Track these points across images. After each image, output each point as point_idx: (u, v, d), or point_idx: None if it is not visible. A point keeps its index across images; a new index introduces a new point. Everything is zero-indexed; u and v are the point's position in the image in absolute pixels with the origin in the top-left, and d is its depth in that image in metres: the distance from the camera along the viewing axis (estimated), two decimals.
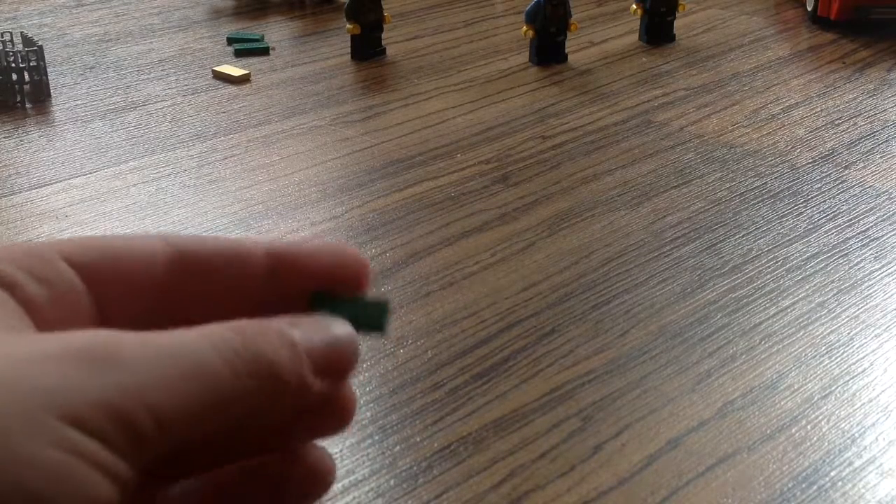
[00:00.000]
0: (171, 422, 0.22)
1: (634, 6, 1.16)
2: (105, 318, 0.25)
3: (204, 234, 0.75)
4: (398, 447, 0.52)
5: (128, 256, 0.25)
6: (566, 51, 1.10)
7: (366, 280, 0.28)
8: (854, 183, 0.82)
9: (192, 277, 0.26)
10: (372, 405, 0.56)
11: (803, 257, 0.71)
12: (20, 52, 0.97)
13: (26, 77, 0.98)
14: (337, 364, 0.26)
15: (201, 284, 0.26)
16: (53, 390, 0.21)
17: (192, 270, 0.26)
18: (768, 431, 0.53)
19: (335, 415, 0.28)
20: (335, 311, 0.27)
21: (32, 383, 0.20)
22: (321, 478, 0.29)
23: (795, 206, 0.78)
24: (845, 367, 0.59)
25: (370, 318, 0.28)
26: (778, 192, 0.81)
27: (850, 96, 1.00)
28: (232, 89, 1.02)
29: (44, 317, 0.24)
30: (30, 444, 0.20)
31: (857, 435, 0.53)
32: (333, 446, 0.53)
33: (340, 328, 0.26)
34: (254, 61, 1.10)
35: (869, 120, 0.95)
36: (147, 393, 0.22)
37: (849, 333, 0.62)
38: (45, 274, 0.24)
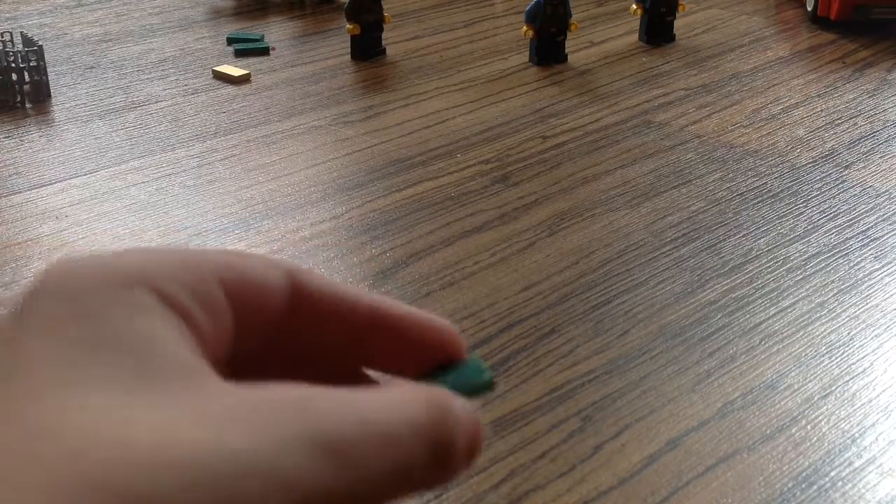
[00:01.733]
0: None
1: (634, 6, 1.16)
2: (237, 344, 0.25)
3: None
4: None
5: (261, 282, 0.25)
6: (566, 51, 1.10)
7: (460, 345, 0.28)
8: (854, 183, 0.82)
9: (305, 314, 0.26)
10: None
11: (803, 257, 0.71)
12: (20, 51, 0.97)
13: (26, 77, 0.98)
14: (479, 446, 0.25)
15: (313, 327, 0.26)
16: (293, 481, 0.20)
17: (307, 310, 0.26)
18: (768, 431, 0.53)
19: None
20: (445, 383, 0.28)
21: (272, 469, 0.20)
22: None
23: (795, 206, 0.78)
24: (845, 367, 0.59)
25: (477, 380, 0.28)
26: (778, 192, 0.81)
27: (850, 96, 1.00)
28: (232, 89, 1.02)
29: (208, 346, 0.23)
30: None
31: (857, 435, 0.53)
32: None
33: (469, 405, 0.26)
34: (254, 61, 1.10)
35: (869, 120, 0.95)
36: (361, 486, 0.22)
37: (849, 333, 0.62)
38: (209, 301, 0.24)
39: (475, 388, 0.27)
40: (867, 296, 0.66)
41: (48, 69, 1.00)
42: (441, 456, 0.24)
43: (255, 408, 0.21)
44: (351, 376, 0.27)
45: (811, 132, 0.92)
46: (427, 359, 0.27)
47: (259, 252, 0.72)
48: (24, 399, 0.20)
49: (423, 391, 0.25)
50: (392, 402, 0.24)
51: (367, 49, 1.10)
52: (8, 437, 0.19)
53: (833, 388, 0.57)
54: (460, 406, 0.25)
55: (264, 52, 1.12)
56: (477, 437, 0.26)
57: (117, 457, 0.19)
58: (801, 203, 0.79)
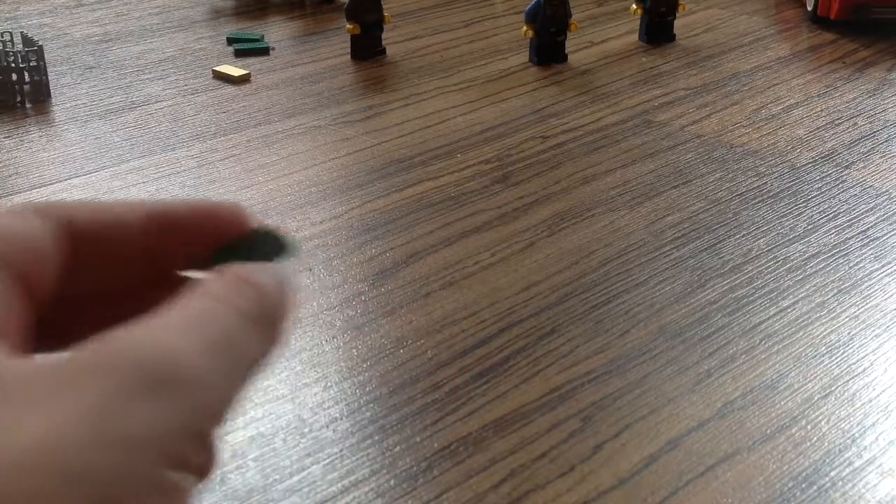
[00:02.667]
0: (224, 406, 0.23)
1: (634, 6, 1.16)
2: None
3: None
4: (398, 447, 0.52)
5: (29, 240, 0.24)
6: (566, 51, 1.10)
7: (244, 220, 0.28)
8: (854, 183, 0.82)
9: (83, 248, 0.26)
10: (372, 405, 0.56)
11: (803, 257, 0.71)
12: (20, 52, 0.97)
13: (26, 77, 0.98)
14: (290, 306, 0.26)
15: (93, 253, 0.26)
16: (141, 435, 0.20)
17: (83, 243, 0.26)
18: (768, 431, 0.53)
19: None
20: (241, 259, 0.28)
21: (128, 434, 0.20)
22: None
23: (795, 205, 0.78)
24: (845, 366, 0.59)
25: (275, 247, 0.28)
26: (778, 192, 0.81)
27: (850, 96, 1.00)
28: (232, 89, 1.02)
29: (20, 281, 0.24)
30: (150, 491, 0.20)
31: (857, 435, 0.53)
32: (333, 446, 0.53)
33: (274, 273, 0.26)
34: (254, 61, 1.10)
35: (869, 120, 0.95)
36: (211, 396, 0.22)
37: (849, 333, 0.62)
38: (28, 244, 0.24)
39: (274, 252, 0.27)
40: (867, 296, 0.66)
41: (48, 69, 1.00)
42: (272, 326, 0.24)
43: (67, 372, 0.21)
44: (171, 283, 0.27)
45: (811, 132, 0.92)
46: (217, 242, 0.27)
47: None
48: None
49: (227, 274, 0.25)
50: (206, 304, 0.24)
51: (367, 49, 1.10)
52: None
53: (833, 388, 0.57)
54: (264, 273, 0.25)
55: (264, 52, 1.12)
56: (288, 295, 0.26)
57: None
58: (801, 203, 0.79)
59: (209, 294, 0.24)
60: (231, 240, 0.27)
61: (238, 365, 0.23)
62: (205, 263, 0.27)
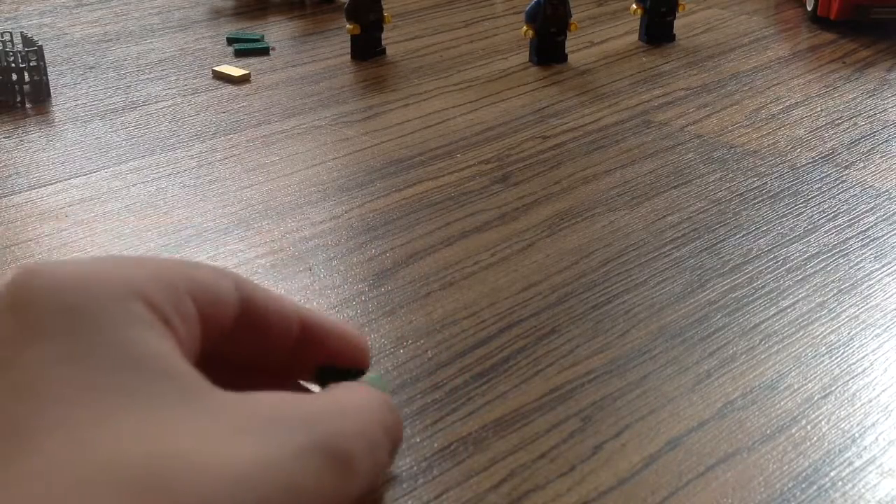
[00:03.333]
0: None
1: (634, 6, 1.16)
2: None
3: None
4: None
5: (216, 292, 0.26)
6: (566, 51, 1.10)
7: (367, 357, 0.31)
8: (854, 183, 0.82)
9: (249, 326, 0.28)
10: None
11: (803, 257, 0.71)
12: (20, 51, 0.97)
13: (26, 77, 0.98)
14: (399, 440, 0.30)
15: (254, 335, 0.28)
16: (309, 495, 0.23)
17: (251, 320, 0.28)
18: (768, 431, 0.53)
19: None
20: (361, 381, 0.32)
21: (305, 488, 0.22)
22: None
23: (795, 206, 0.78)
24: (845, 366, 0.59)
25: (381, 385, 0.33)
26: (778, 192, 0.81)
27: (851, 96, 1.00)
28: (232, 89, 1.02)
29: (185, 354, 0.25)
30: None
31: (857, 435, 0.53)
32: None
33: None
34: (254, 61, 1.10)
35: (869, 120, 0.95)
36: (358, 484, 0.25)
37: (849, 333, 0.62)
38: (183, 311, 0.25)
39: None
40: (867, 296, 0.66)
41: (48, 69, 1.00)
42: (397, 447, 0.28)
43: (269, 419, 0.23)
44: (281, 381, 0.30)
45: (811, 132, 0.92)
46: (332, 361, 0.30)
47: (260, 251, 0.72)
48: (46, 422, 0.20)
49: (376, 394, 0.27)
50: (365, 404, 0.26)
51: (367, 49, 1.10)
52: (69, 463, 0.19)
53: (833, 388, 0.57)
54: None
55: (264, 52, 1.12)
56: (400, 432, 0.30)
57: (188, 473, 0.20)
58: (801, 203, 0.79)
59: (364, 394, 0.27)
60: (339, 365, 0.30)
61: (376, 467, 0.26)
62: (309, 373, 0.31)
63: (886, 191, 0.81)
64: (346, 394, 0.27)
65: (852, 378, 0.58)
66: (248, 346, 0.29)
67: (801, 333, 0.62)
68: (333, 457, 0.23)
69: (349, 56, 1.10)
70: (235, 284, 0.28)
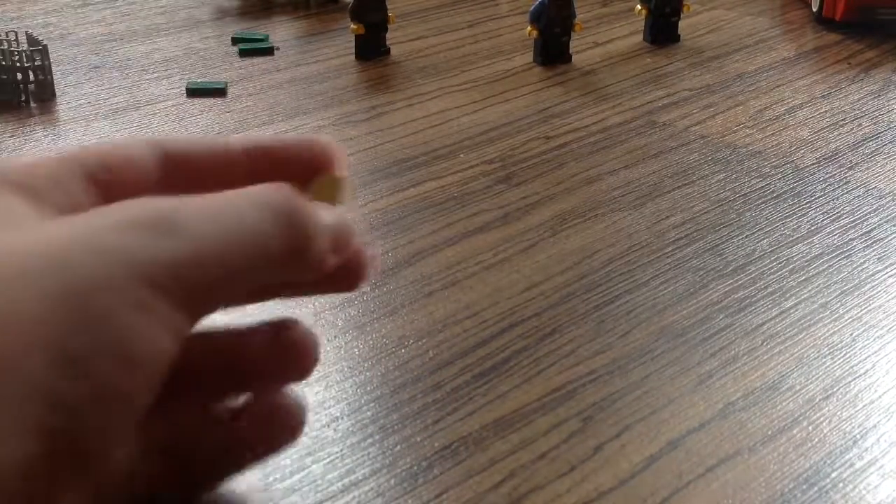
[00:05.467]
0: (224, 281, 0.24)
1: (639, 7, 1.15)
2: None
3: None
4: (398, 447, 0.52)
5: (126, 165, 0.28)
6: (570, 51, 1.10)
7: (337, 162, 0.31)
8: (858, 184, 0.82)
9: (181, 178, 0.29)
10: (372, 405, 0.56)
11: (806, 258, 0.71)
12: (25, 51, 0.98)
13: (31, 76, 0.98)
14: (345, 244, 0.29)
15: (190, 184, 0.29)
16: (132, 255, 0.22)
17: (182, 171, 0.29)
18: (769, 432, 0.53)
19: (350, 275, 0.32)
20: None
21: (114, 248, 0.22)
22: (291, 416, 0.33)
23: (799, 207, 0.78)
24: (848, 368, 0.59)
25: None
26: (781, 193, 0.80)
27: (855, 97, 1.00)
28: (236, 89, 1.02)
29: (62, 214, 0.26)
30: (119, 308, 0.22)
31: (858, 436, 0.53)
32: (333, 445, 0.53)
33: (347, 218, 0.29)
34: (258, 61, 1.10)
35: (874, 121, 0.95)
36: (209, 255, 0.23)
37: (851, 335, 0.62)
38: (66, 187, 0.26)
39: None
40: (870, 297, 0.66)
41: (53, 68, 1.01)
42: (293, 230, 0.26)
43: (89, 214, 0.24)
44: None
45: (815, 133, 0.92)
46: (312, 175, 0.30)
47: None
48: None
49: (284, 188, 0.27)
50: (252, 194, 0.26)
51: (371, 49, 1.10)
52: None
53: (835, 390, 0.57)
54: (322, 209, 0.27)
55: (269, 51, 1.12)
56: (346, 234, 0.29)
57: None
58: (805, 204, 0.79)
59: (245, 188, 0.26)
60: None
61: (242, 240, 0.24)
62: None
63: (890, 192, 0.81)
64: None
65: (854, 379, 0.58)
66: (190, 194, 0.28)
67: (803, 334, 0.62)
68: (160, 221, 0.23)
69: (353, 56, 1.10)
70: (152, 144, 0.28)
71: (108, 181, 0.27)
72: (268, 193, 0.26)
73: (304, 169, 0.31)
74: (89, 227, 0.23)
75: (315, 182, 0.31)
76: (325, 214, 0.27)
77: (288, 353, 0.33)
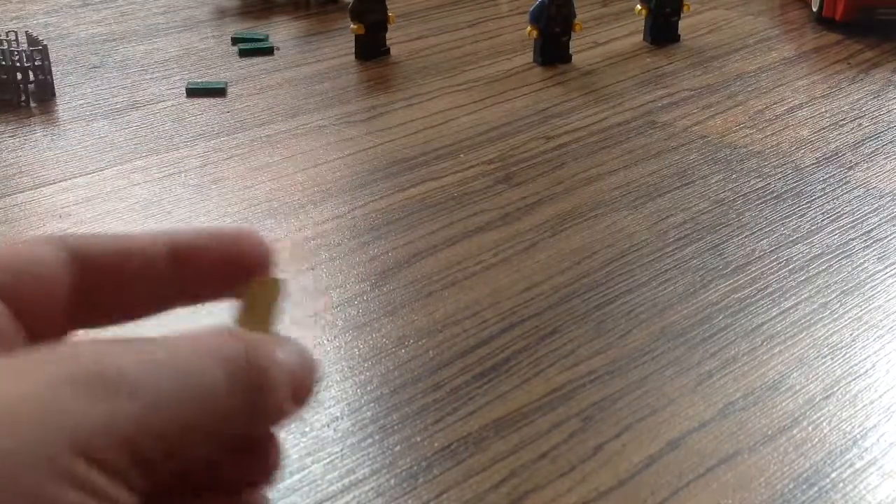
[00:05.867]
0: (175, 446, 0.21)
1: (639, 7, 1.15)
2: (25, 327, 0.24)
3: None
4: (398, 447, 0.52)
5: (33, 268, 0.24)
6: (570, 51, 1.10)
7: (269, 260, 0.26)
8: (858, 184, 0.82)
9: (97, 282, 0.25)
10: (372, 405, 0.56)
11: (806, 258, 0.71)
12: (25, 51, 0.98)
13: (31, 76, 0.98)
14: (307, 389, 0.25)
15: (107, 287, 0.25)
16: (64, 422, 0.20)
17: (95, 274, 0.25)
18: (769, 432, 0.53)
19: (267, 458, 0.27)
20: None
21: (43, 415, 0.20)
22: None
23: (799, 207, 0.78)
24: (847, 368, 0.59)
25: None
26: (781, 193, 0.80)
27: (855, 97, 1.00)
28: (235, 89, 1.02)
29: None
30: (46, 484, 0.19)
31: (858, 436, 0.53)
32: (335, 445, 0.53)
33: (307, 350, 0.25)
34: (258, 61, 1.10)
35: (873, 121, 0.95)
36: (154, 419, 0.21)
37: (851, 334, 0.62)
38: None
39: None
40: (870, 297, 0.66)
41: (53, 68, 1.01)
42: (250, 386, 0.22)
43: (19, 363, 0.21)
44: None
45: (815, 133, 0.92)
46: (240, 277, 0.26)
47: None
48: None
49: (227, 330, 0.23)
50: (201, 345, 0.22)
51: (371, 49, 1.10)
52: None
53: (835, 390, 0.57)
54: (280, 347, 0.24)
55: (269, 51, 1.12)
56: (307, 376, 0.25)
57: None
58: (805, 204, 0.79)
59: (197, 335, 0.23)
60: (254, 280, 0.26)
61: (193, 399, 0.22)
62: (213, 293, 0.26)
63: (890, 192, 0.81)
64: (170, 336, 0.23)
65: (854, 379, 0.58)
66: (113, 298, 0.25)
67: (803, 334, 0.62)
68: (99, 380, 0.20)
69: (353, 56, 1.10)
70: (56, 243, 0.25)
71: (11, 290, 0.24)
72: (221, 345, 0.23)
73: (232, 268, 0.26)
74: (13, 384, 0.20)
75: (249, 287, 0.26)
76: (283, 355, 0.24)
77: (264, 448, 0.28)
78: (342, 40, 1.15)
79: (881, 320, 0.64)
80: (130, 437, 0.20)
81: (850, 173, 0.84)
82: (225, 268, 0.26)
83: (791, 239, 0.73)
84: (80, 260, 0.25)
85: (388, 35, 1.11)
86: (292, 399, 0.24)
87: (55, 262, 0.24)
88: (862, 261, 0.71)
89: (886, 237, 0.74)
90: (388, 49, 1.11)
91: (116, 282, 0.25)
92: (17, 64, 0.97)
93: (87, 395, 0.20)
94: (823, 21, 1.21)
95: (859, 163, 0.86)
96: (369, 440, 0.53)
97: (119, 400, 0.20)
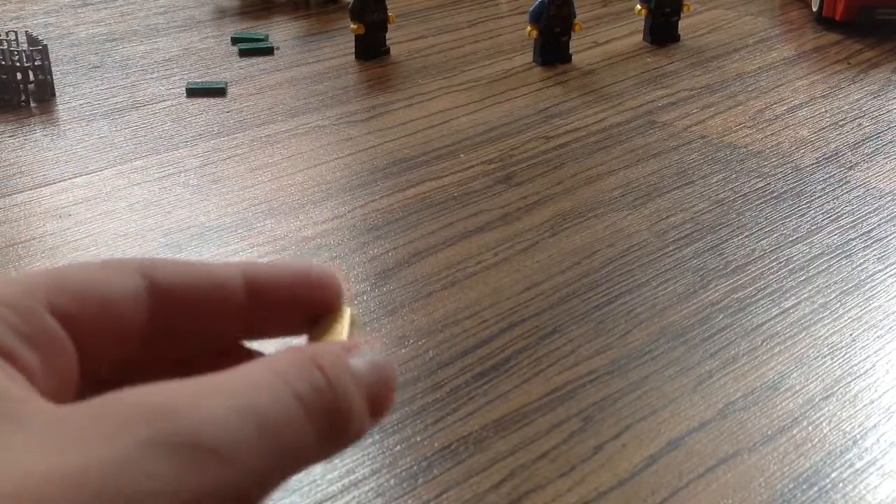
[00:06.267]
0: (260, 494, 0.19)
1: (639, 7, 1.15)
2: (89, 364, 0.23)
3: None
4: (398, 447, 0.52)
5: (108, 298, 0.22)
6: (570, 51, 1.10)
7: (340, 294, 0.25)
8: (858, 184, 0.82)
9: (173, 313, 0.23)
10: None
11: (806, 258, 0.71)
12: (25, 51, 0.98)
13: (31, 76, 0.98)
14: (386, 402, 0.23)
15: (183, 319, 0.24)
16: (162, 496, 0.18)
17: (174, 305, 0.23)
18: (769, 432, 0.53)
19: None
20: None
21: (134, 491, 0.17)
22: None
23: (798, 207, 0.78)
24: (847, 368, 0.59)
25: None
26: (781, 193, 0.80)
27: (855, 97, 1.00)
28: (235, 89, 1.02)
29: (38, 383, 0.21)
30: None
31: (858, 436, 0.53)
32: None
33: (383, 357, 0.23)
34: (258, 61, 1.10)
35: (873, 121, 0.95)
36: (240, 476, 0.19)
37: (851, 334, 0.62)
38: (36, 335, 0.21)
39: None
40: (870, 297, 0.66)
41: (53, 68, 1.01)
42: (335, 425, 0.21)
43: (90, 419, 0.19)
44: (240, 356, 0.24)
45: (815, 133, 0.92)
46: (311, 313, 0.25)
47: (262, 251, 0.72)
48: None
49: (300, 351, 0.21)
50: (274, 374, 0.21)
51: (371, 49, 1.10)
52: None
53: (835, 390, 0.57)
54: (356, 358, 0.22)
55: (269, 51, 1.12)
56: (386, 388, 0.23)
57: None
58: (805, 204, 0.79)
59: (270, 367, 0.21)
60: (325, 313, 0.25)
61: (280, 451, 0.20)
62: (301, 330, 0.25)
63: (890, 192, 0.81)
64: (244, 367, 0.21)
65: (854, 379, 0.58)
66: (185, 333, 0.24)
67: (803, 334, 0.62)
68: (182, 449, 0.18)
69: (353, 56, 1.10)
70: (139, 271, 0.23)
71: (81, 316, 0.22)
72: (293, 379, 0.21)
73: (302, 302, 0.25)
74: (79, 461, 0.18)
75: (320, 321, 0.25)
76: (361, 367, 0.22)
77: None
78: (342, 40, 1.15)
79: (881, 320, 0.64)
80: (225, 496, 0.19)
81: (850, 173, 0.84)
82: (296, 304, 0.25)
83: (791, 239, 0.73)
84: (161, 291, 0.23)
85: (388, 35, 1.11)
86: (370, 414, 0.23)
87: (135, 291, 0.23)
88: (862, 261, 0.71)
89: (886, 237, 0.74)
90: (388, 49, 1.11)
91: (194, 314, 0.24)
92: (17, 64, 0.97)
93: (171, 460, 0.18)
94: (823, 21, 1.21)
95: (859, 163, 0.86)
96: (369, 440, 0.53)
97: (200, 460, 0.18)
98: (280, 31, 1.19)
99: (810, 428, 0.54)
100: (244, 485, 0.19)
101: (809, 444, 0.52)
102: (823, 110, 0.97)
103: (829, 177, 0.83)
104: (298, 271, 0.25)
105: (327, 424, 0.21)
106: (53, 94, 1.00)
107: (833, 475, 0.51)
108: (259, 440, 0.19)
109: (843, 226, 0.75)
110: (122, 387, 0.21)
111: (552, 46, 1.08)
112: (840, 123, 0.94)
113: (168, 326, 0.24)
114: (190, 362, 0.24)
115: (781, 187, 0.81)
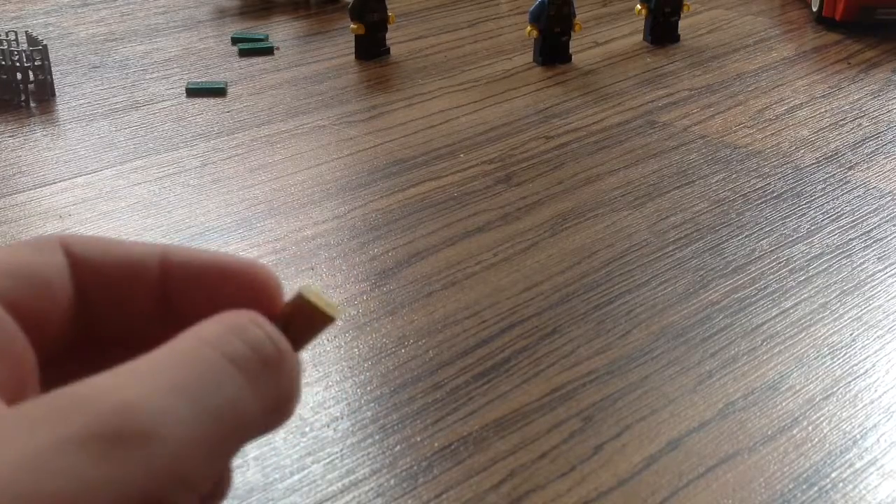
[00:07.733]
0: (206, 479, 0.19)
1: (639, 7, 1.15)
2: (34, 342, 0.22)
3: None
4: (398, 447, 0.52)
5: (42, 277, 0.22)
6: (570, 51, 1.10)
7: (273, 288, 0.23)
8: (858, 184, 0.82)
9: (93, 287, 0.23)
10: (372, 405, 0.56)
11: (806, 258, 0.71)
12: (25, 51, 0.98)
13: (31, 76, 0.98)
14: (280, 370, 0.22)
15: (102, 294, 0.23)
16: (104, 485, 0.17)
17: (92, 280, 0.23)
18: (769, 432, 0.53)
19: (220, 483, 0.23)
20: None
21: (36, 494, 0.17)
22: None
23: (799, 206, 0.78)
24: (847, 368, 0.59)
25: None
26: (781, 193, 0.80)
27: (855, 97, 1.00)
28: (235, 89, 1.02)
29: None
30: None
31: (858, 436, 0.53)
32: (333, 445, 0.53)
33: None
34: (258, 61, 1.10)
35: (873, 121, 0.95)
36: (176, 451, 0.18)
37: (851, 334, 0.62)
38: None
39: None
40: (870, 297, 0.66)
41: (53, 68, 1.00)
42: (277, 382, 0.20)
43: (16, 420, 0.18)
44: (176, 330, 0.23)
45: (815, 133, 0.92)
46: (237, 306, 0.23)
47: (262, 251, 0.72)
48: None
49: (233, 314, 0.21)
50: (188, 344, 0.20)
51: (371, 49, 1.10)
52: None
53: (835, 390, 0.57)
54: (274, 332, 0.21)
55: (268, 51, 1.12)
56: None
57: None
58: (805, 204, 0.79)
59: (197, 335, 0.20)
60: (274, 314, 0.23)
61: (221, 418, 0.19)
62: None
63: (890, 192, 0.81)
64: (173, 342, 0.20)
65: (854, 379, 0.58)
66: (108, 309, 0.23)
67: (803, 334, 0.62)
68: (101, 440, 0.17)
69: (353, 56, 1.10)
70: (61, 247, 0.22)
71: (26, 306, 0.21)
72: (224, 343, 0.20)
73: (225, 294, 0.23)
74: (23, 452, 0.18)
75: (290, 304, 0.22)
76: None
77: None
78: (342, 40, 1.15)
79: (881, 320, 0.64)
80: (167, 481, 0.18)
81: (850, 173, 0.84)
82: (217, 294, 0.23)
83: (791, 239, 0.73)
84: (78, 264, 0.23)
85: (388, 35, 1.11)
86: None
87: (61, 268, 0.22)
88: (862, 261, 0.71)
89: (886, 237, 0.74)
90: (388, 49, 1.11)
91: (109, 290, 0.23)
92: (17, 64, 0.97)
93: (118, 448, 0.18)
94: (823, 21, 1.21)
95: (859, 163, 0.86)
96: (369, 440, 0.53)
97: (152, 446, 0.18)
98: (280, 31, 1.19)
99: (810, 428, 0.54)
100: (185, 462, 0.19)
101: (809, 444, 0.52)
102: (823, 110, 0.97)
103: (829, 177, 0.83)
104: (228, 263, 0.24)
105: (267, 381, 0.20)
106: (53, 94, 1.00)
107: (833, 475, 0.51)
108: (192, 410, 0.19)
109: (843, 226, 0.75)
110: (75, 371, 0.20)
111: (552, 46, 1.08)
112: (840, 123, 0.94)
113: (92, 302, 0.23)
114: (125, 340, 0.23)
115: (781, 187, 0.81)
